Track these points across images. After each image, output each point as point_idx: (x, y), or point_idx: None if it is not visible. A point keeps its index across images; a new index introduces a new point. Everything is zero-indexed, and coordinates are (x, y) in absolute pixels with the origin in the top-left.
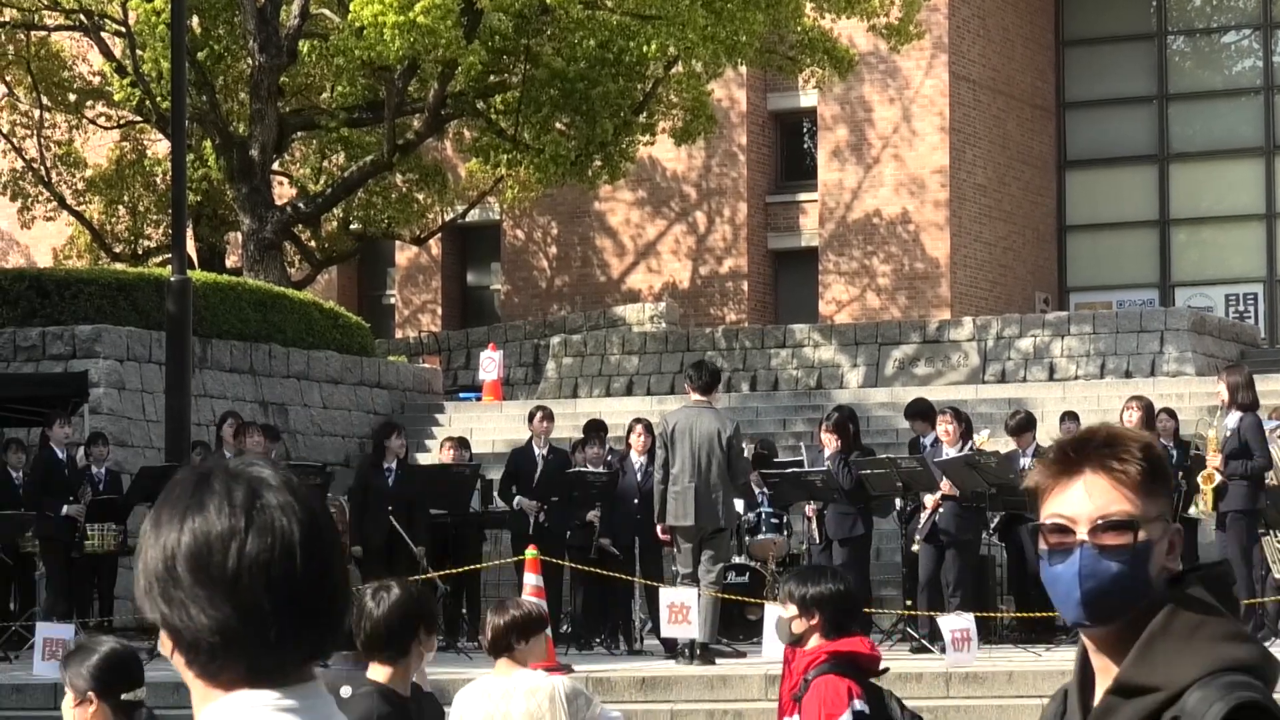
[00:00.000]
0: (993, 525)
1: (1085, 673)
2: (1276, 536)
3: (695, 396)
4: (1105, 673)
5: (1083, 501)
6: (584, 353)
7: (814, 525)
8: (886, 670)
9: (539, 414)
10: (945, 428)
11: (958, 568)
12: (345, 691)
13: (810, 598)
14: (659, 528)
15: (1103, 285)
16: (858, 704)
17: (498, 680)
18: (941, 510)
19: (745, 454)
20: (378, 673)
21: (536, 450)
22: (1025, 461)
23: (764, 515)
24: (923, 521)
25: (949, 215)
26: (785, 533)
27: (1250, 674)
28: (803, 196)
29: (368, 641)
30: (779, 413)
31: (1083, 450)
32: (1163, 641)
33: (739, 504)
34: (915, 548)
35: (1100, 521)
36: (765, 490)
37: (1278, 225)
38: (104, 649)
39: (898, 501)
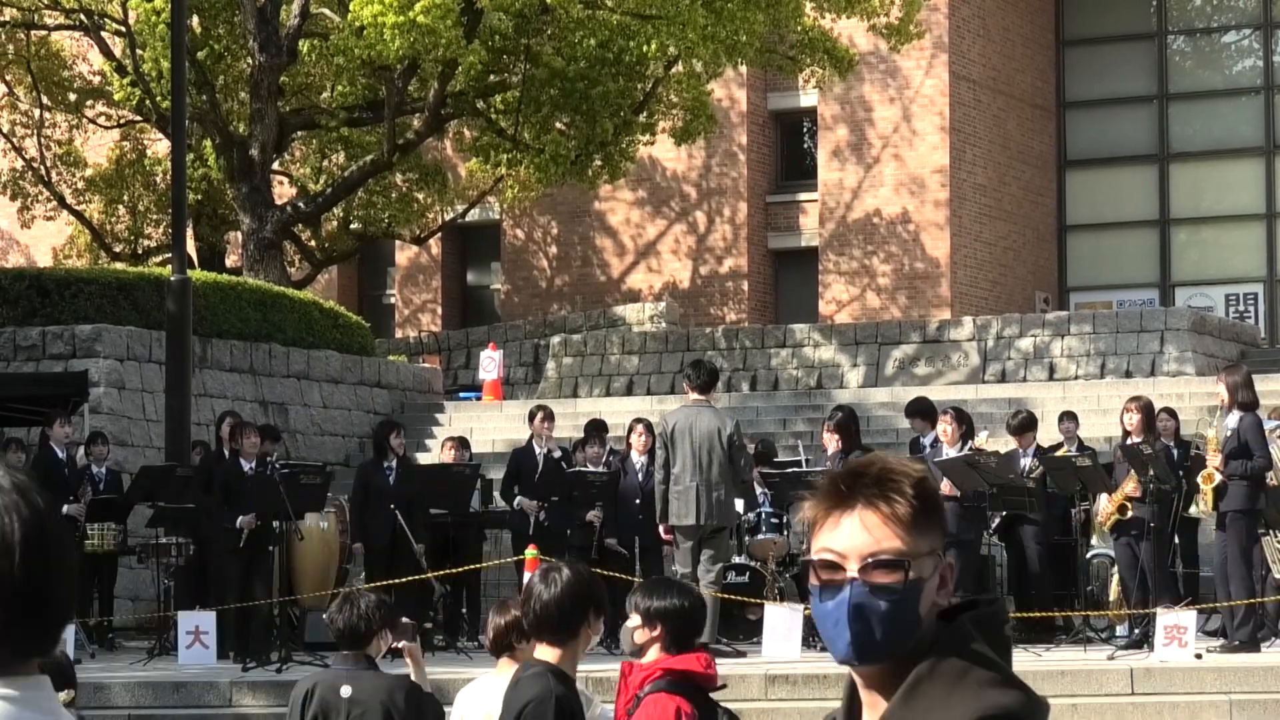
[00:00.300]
0: (993, 525)
1: (853, 706)
2: (1276, 536)
3: (694, 396)
4: (873, 708)
5: (853, 538)
6: (584, 352)
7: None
8: (724, 686)
9: (539, 414)
10: (946, 428)
11: (958, 568)
12: (345, 691)
13: (654, 610)
14: (661, 527)
15: (1103, 285)
16: None
17: (498, 679)
18: None
19: (748, 450)
20: (546, 654)
21: (537, 450)
22: (1026, 461)
23: (764, 515)
24: None
25: (949, 215)
26: (785, 532)
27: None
28: (803, 196)
29: (537, 623)
30: (779, 412)
31: (855, 485)
32: (928, 685)
33: (739, 504)
34: None
35: (870, 560)
36: (765, 490)
37: (1278, 225)
38: None
39: None
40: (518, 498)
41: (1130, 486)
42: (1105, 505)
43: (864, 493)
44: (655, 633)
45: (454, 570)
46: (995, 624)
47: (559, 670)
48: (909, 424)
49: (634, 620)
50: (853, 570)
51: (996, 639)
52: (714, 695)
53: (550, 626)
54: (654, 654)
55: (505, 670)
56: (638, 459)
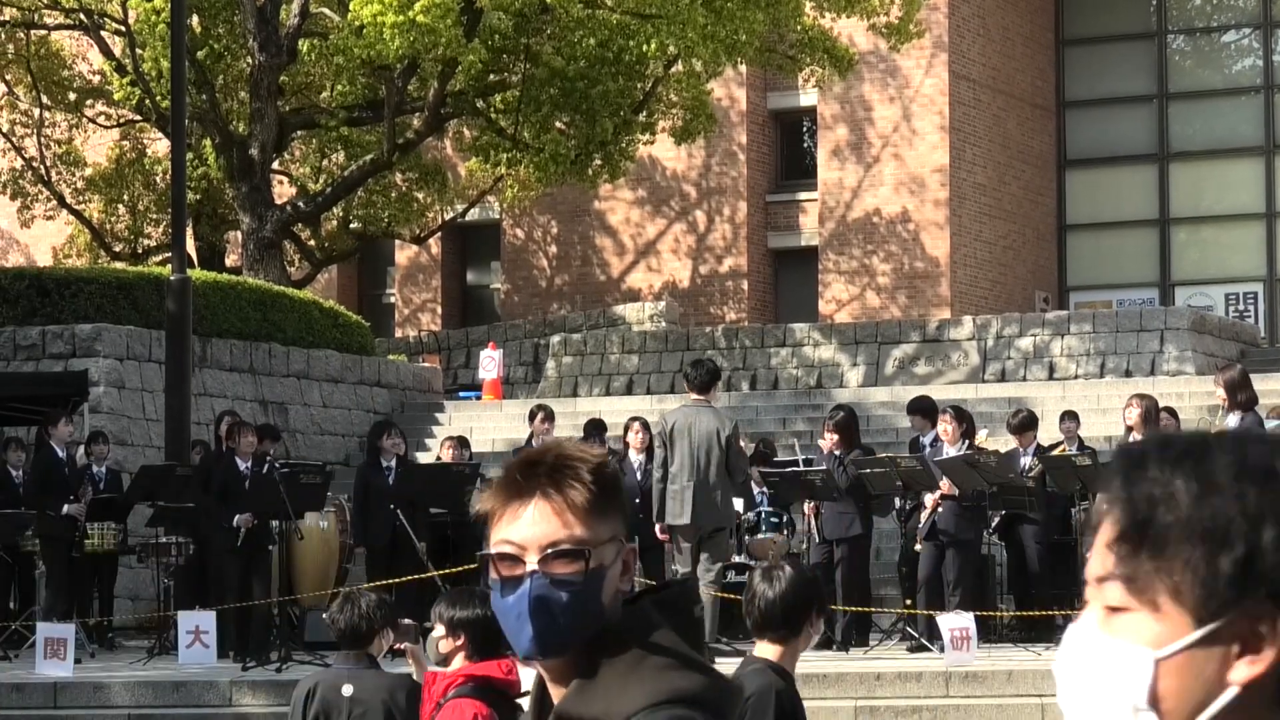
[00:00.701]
0: (993, 524)
1: (543, 703)
2: None
3: (694, 395)
4: None
5: (531, 528)
6: (584, 352)
7: (813, 524)
8: (526, 693)
9: (539, 413)
10: (945, 427)
11: (957, 567)
12: (347, 690)
13: (457, 620)
14: (658, 527)
15: (1103, 284)
16: None
17: None
18: (941, 509)
19: (746, 452)
20: (767, 651)
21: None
22: (1026, 460)
23: (763, 514)
24: (923, 521)
25: (949, 214)
26: (785, 532)
27: (695, 705)
28: (802, 195)
29: (760, 621)
30: (779, 412)
31: (531, 474)
32: (607, 671)
33: (738, 503)
34: (918, 547)
35: (550, 550)
36: (765, 489)
37: (1277, 224)
38: None
39: (897, 501)
40: None
41: None
42: None
43: (540, 482)
44: (459, 642)
45: (454, 569)
46: (682, 606)
47: (779, 667)
48: (909, 422)
49: (438, 630)
50: (532, 562)
51: (684, 622)
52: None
53: (774, 624)
54: (458, 662)
55: None
56: (635, 457)
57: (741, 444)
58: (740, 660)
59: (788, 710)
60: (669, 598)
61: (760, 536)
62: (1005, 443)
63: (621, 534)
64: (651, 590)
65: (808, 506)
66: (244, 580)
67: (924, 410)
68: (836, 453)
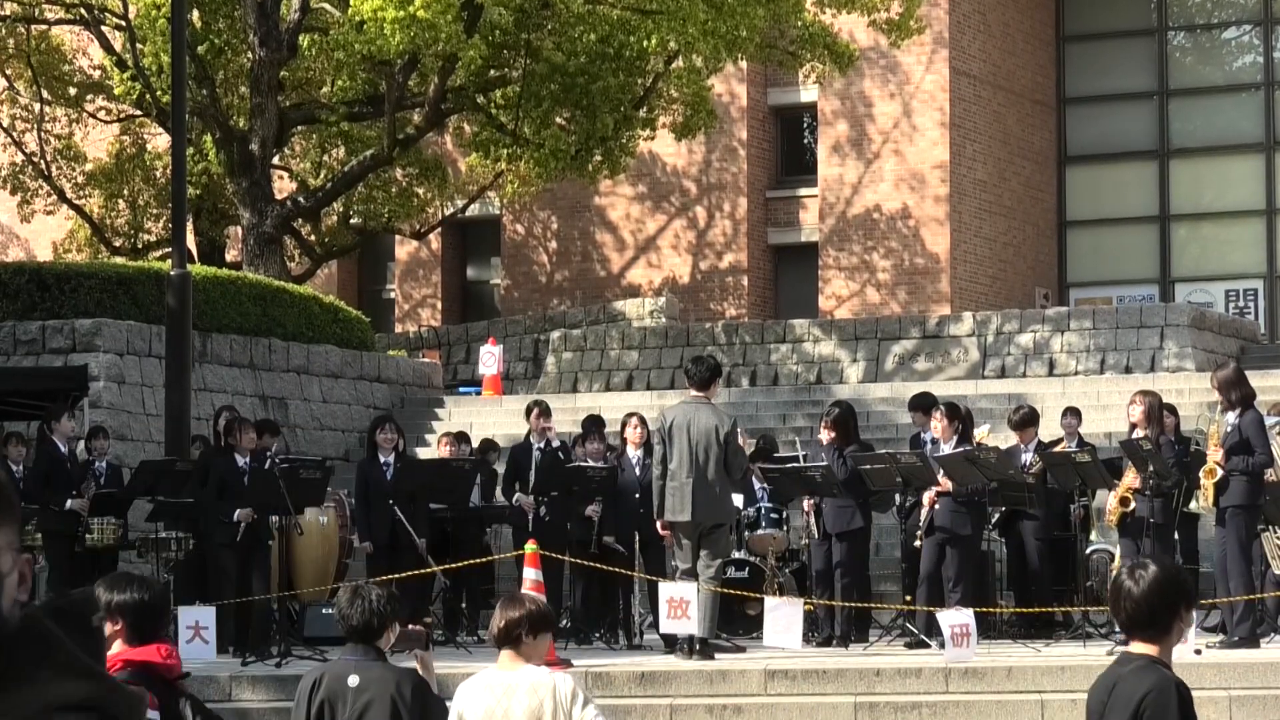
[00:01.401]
0: (993, 520)
1: None
2: (1276, 532)
3: (693, 391)
4: None
5: None
6: (584, 347)
7: (813, 520)
8: (188, 675)
9: (536, 409)
10: (938, 424)
11: (957, 563)
12: (353, 680)
13: (115, 604)
14: (659, 523)
15: (1103, 281)
16: (150, 712)
17: (500, 674)
18: (938, 506)
19: (745, 450)
20: (1141, 649)
21: (534, 445)
22: (1027, 457)
23: (763, 510)
24: (922, 517)
25: (949, 210)
26: (784, 527)
27: (90, 711)
28: (803, 191)
29: (1128, 622)
30: (779, 408)
31: None
32: (2, 679)
33: (738, 499)
34: (918, 544)
35: None
36: (765, 485)
37: (1278, 221)
38: None
39: (897, 497)
40: (516, 495)
41: (1131, 478)
42: (1110, 501)
43: None
44: (118, 626)
45: (455, 565)
46: (78, 615)
47: (1162, 662)
48: (910, 419)
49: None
50: None
51: (80, 630)
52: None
53: (1141, 624)
54: (117, 647)
55: (509, 665)
56: (633, 453)
57: (740, 441)
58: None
59: (1188, 702)
60: (66, 606)
61: (760, 532)
62: (1005, 439)
63: (16, 543)
64: (49, 602)
65: (807, 503)
66: (243, 575)
67: (924, 406)
68: (834, 448)
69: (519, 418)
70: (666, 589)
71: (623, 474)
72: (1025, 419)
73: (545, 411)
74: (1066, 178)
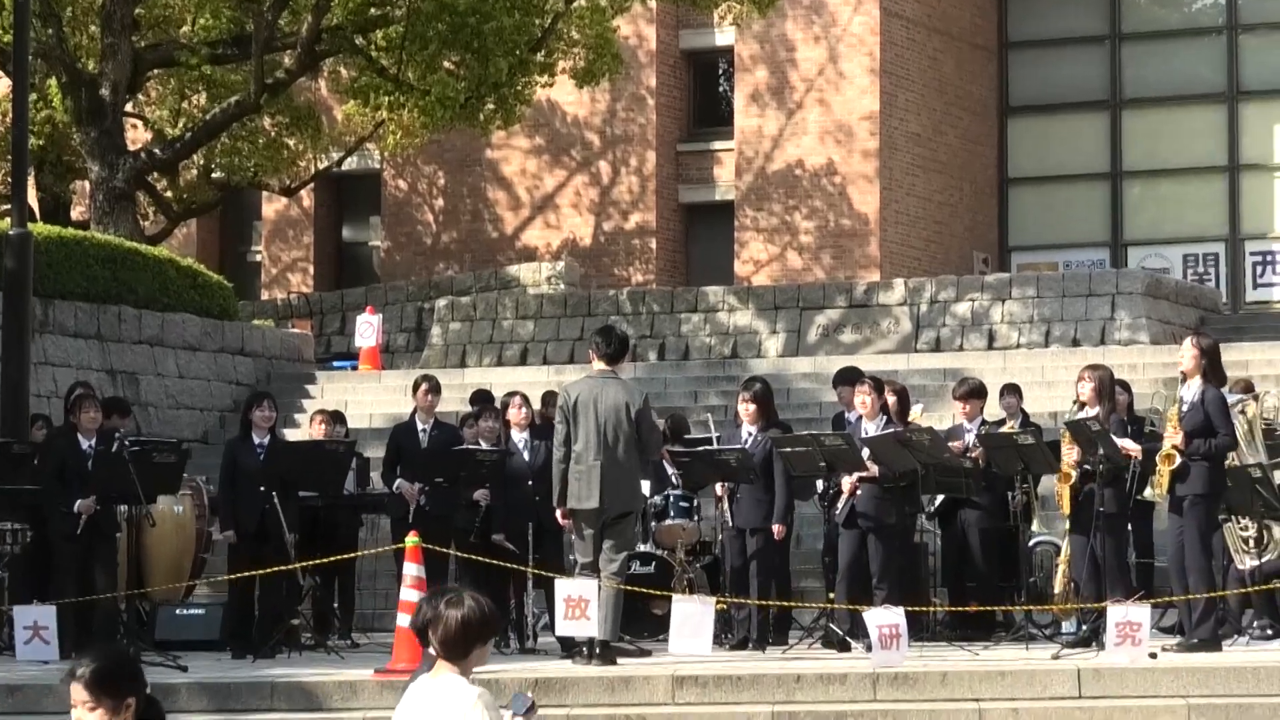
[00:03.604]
0: (931, 509)
1: None
2: (1239, 523)
3: (600, 365)
4: None
5: None
6: (473, 317)
7: (726, 508)
8: None
9: (424, 385)
10: (864, 399)
11: (882, 556)
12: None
13: None
14: (559, 511)
15: (1048, 244)
16: None
17: (441, 686)
18: (860, 492)
19: (658, 427)
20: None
21: (420, 426)
22: (970, 436)
23: (672, 498)
24: (840, 505)
25: (878, 166)
26: (696, 517)
27: None
28: (718, 145)
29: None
30: (690, 384)
31: None
32: None
33: (644, 485)
34: None
35: None
36: (675, 470)
37: (1240, 179)
38: None
39: (820, 484)
40: (397, 481)
41: (1070, 454)
42: (1057, 485)
43: None
44: None
45: (323, 560)
46: None
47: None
48: (834, 396)
49: None
50: None
51: None
52: None
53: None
54: None
55: (443, 672)
56: (518, 436)
57: (653, 419)
58: None
59: None
60: None
61: (668, 523)
62: (941, 419)
63: None
64: None
65: (721, 489)
66: (84, 571)
67: (851, 382)
68: (753, 429)
69: (400, 395)
70: (564, 586)
71: (511, 459)
72: (972, 390)
73: (435, 388)
74: (1009, 130)
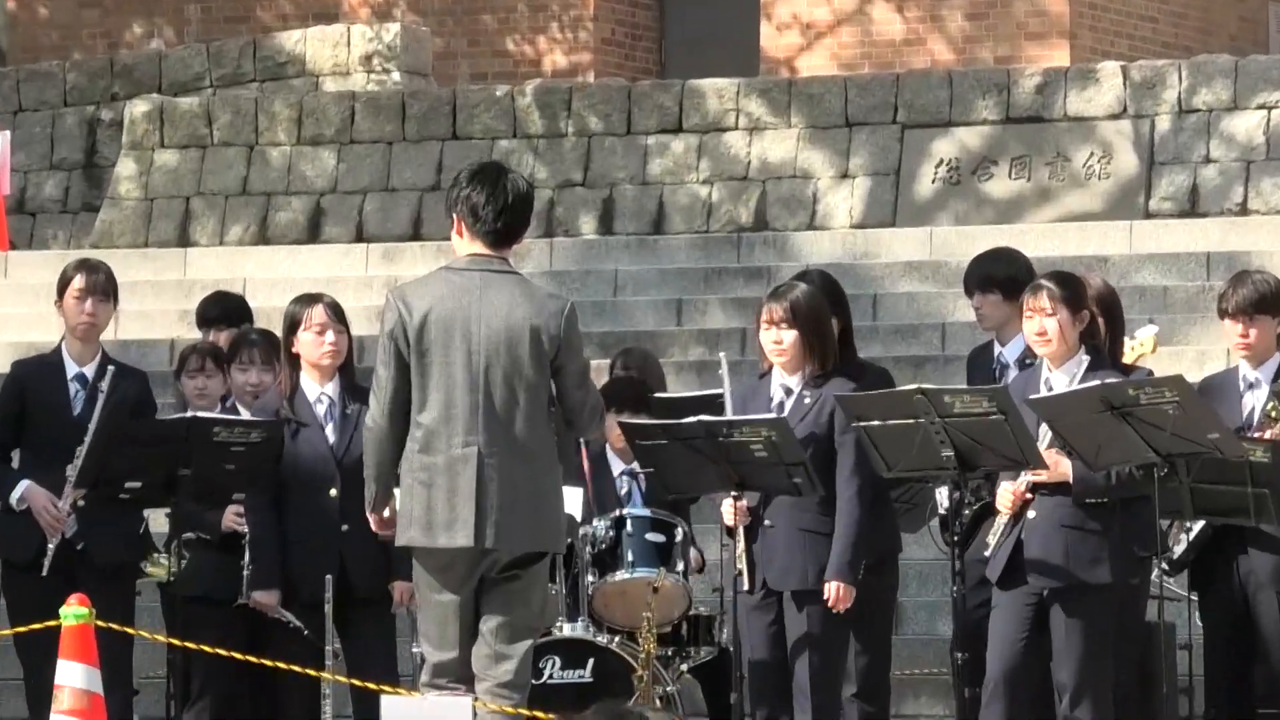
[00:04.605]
0: (1178, 549)
1: None
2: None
3: (474, 248)
4: None
5: None
6: (208, 138)
7: (743, 548)
8: None
9: (82, 280)
10: (1038, 319)
11: (1078, 654)
12: None
13: None
14: (373, 519)
15: None
16: None
17: None
18: (1033, 514)
19: (594, 385)
20: None
21: (72, 368)
22: (1259, 396)
23: (630, 525)
24: (992, 542)
25: None
26: (680, 564)
27: None
28: None
29: None
30: (668, 284)
31: None
32: None
33: (574, 498)
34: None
35: None
36: (633, 468)
37: None
38: None
39: (942, 497)
40: (20, 486)
41: None
42: None
43: None
44: None
45: None
46: None
47: None
48: (971, 309)
49: None
50: None
51: None
52: None
53: None
54: None
55: None
56: (313, 392)
57: (584, 359)
58: None
59: None
60: None
61: (620, 577)
62: (1199, 358)
63: None
64: None
65: (731, 510)
66: None
67: (1008, 284)
68: (794, 381)
69: (37, 299)
70: (396, 710)
71: (296, 441)
72: (1264, 298)
73: (105, 288)
74: None
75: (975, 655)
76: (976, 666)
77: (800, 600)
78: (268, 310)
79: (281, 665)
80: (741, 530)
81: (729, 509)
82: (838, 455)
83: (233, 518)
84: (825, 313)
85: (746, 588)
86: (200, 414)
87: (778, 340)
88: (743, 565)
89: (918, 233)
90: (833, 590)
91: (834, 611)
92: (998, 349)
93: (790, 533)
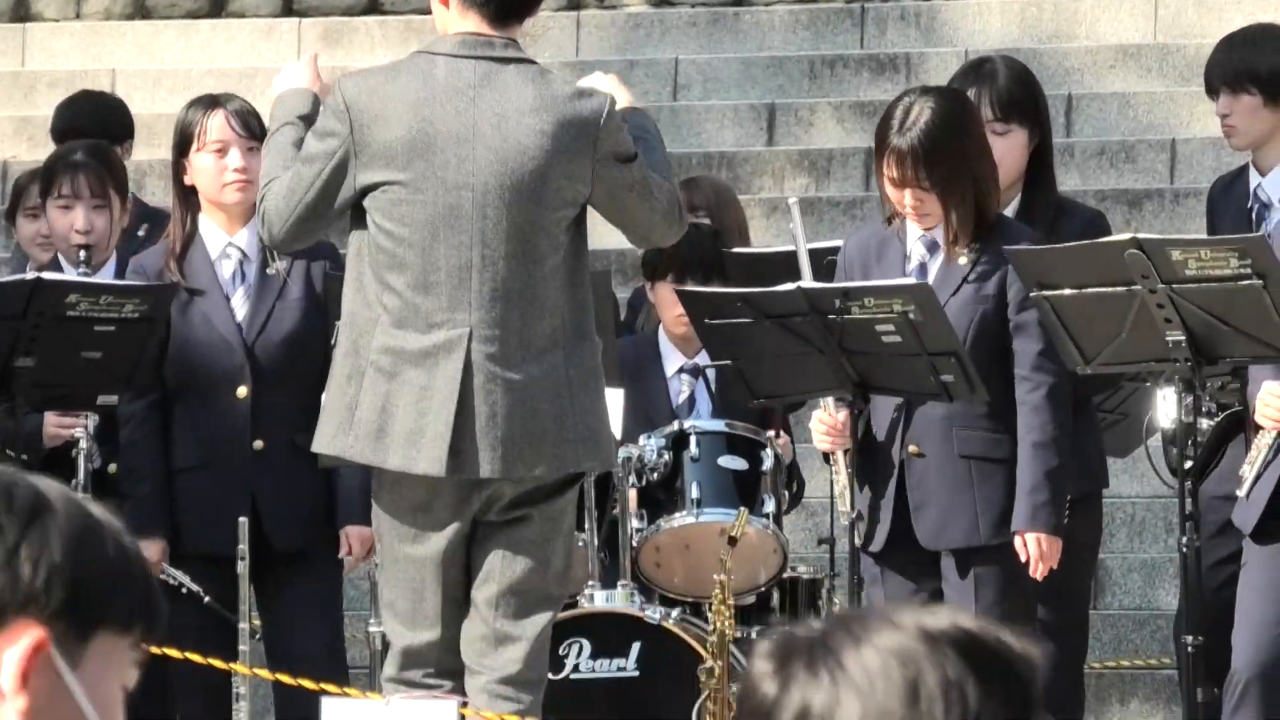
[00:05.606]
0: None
1: None
2: None
3: (467, 21)
4: None
5: None
6: None
7: (846, 483)
8: None
9: None
10: None
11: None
12: None
13: None
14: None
15: None
16: None
17: None
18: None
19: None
20: None
21: None
22: None
23: (693, 443)
24: (1249, 467)
25: None
26: (770, 503)
27: None
28: None
29: None
30: (756, 78)
31: None
32: None
33: (616, 401)
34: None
35: None
36: (703, 365)
37: None
38: None
39: (1167, 401)
40: None
41: None
42: None
43: None
44: None
45: None
46: None
47: None
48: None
49: None
50: None
51: None
52: None
53: None
54: None
55: None
56: (216, 245)
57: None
58: None
59: None
60: None
61: (685, 521)
62: None
63: None
64: None
65: (826, 419)
66: None
67: (1261, 76)
68: (932, 232)
69: None
70: (342, 717)
71: (188, 313)
72: None
73: None
74: None
75: (1214, 639)
76: (1216, 655)
77: (967, 562)
78: (148, 119)
79: (172, 652)
80: (841, 456)
81: (822, 423)
82: (1013, 342)
83: (56, 425)
84: (982, 145)
85: (868, 544)
86: (48, 275)
87: (918, 200)
88: (845, 505)
89: (1136, 1)
90: (1030, 544)
91: (1023, 577)
92: (1254, 179)
93: (946, 462)
